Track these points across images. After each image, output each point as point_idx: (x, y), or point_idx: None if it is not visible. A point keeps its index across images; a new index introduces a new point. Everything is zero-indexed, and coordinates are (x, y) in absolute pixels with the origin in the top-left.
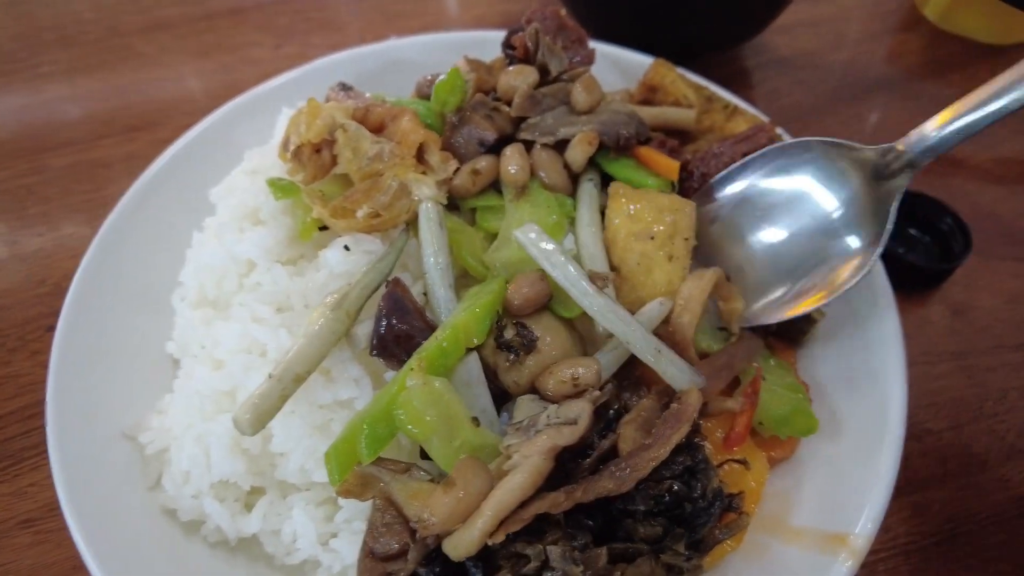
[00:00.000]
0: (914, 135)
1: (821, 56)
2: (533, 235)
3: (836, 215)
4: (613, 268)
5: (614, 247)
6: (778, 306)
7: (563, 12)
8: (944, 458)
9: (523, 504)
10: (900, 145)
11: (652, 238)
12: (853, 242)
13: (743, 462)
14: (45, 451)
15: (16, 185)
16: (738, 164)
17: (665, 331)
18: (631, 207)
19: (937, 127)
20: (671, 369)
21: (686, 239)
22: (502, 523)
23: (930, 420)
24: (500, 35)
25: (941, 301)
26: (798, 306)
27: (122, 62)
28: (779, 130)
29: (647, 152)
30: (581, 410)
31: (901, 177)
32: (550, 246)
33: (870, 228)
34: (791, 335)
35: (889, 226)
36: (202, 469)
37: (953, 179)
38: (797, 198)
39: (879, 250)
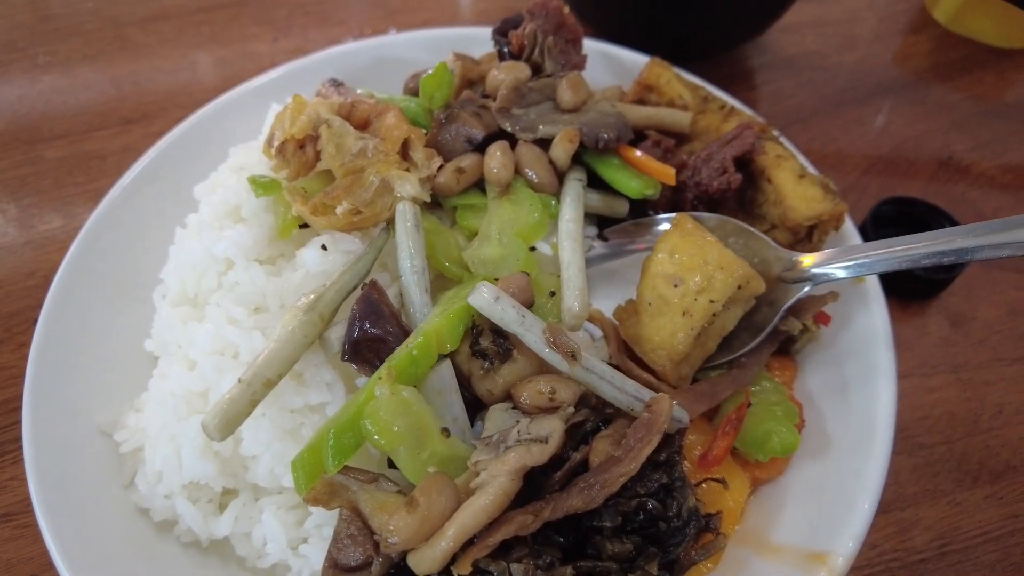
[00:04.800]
0: (823, 257)
1: (827, 57)
2: (487, 294)
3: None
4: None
5: (644, 276)
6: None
7: (566, 9)
8: (935, 473)
9: (491, 525)
10: (805, 261)
11: (676, 286)
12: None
13: (721, 481)
14: None
15: (10, 176)
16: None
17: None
18: (678, 247)
19: (843, 258)
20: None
21: (712, 301)
22: (468, 547)
23: (923, 434)
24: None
25: (940, 311)
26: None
27: (119, 53)
28: (775, 132)
29: (635, 154)
30: (553, 428)
31: (797, 285)
32: (510, 310)
33: (759, 320)
34: (783, 347)
35: (770, 328)
36: (174, 470)
37: (956, 186)
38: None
39: (753, 343)
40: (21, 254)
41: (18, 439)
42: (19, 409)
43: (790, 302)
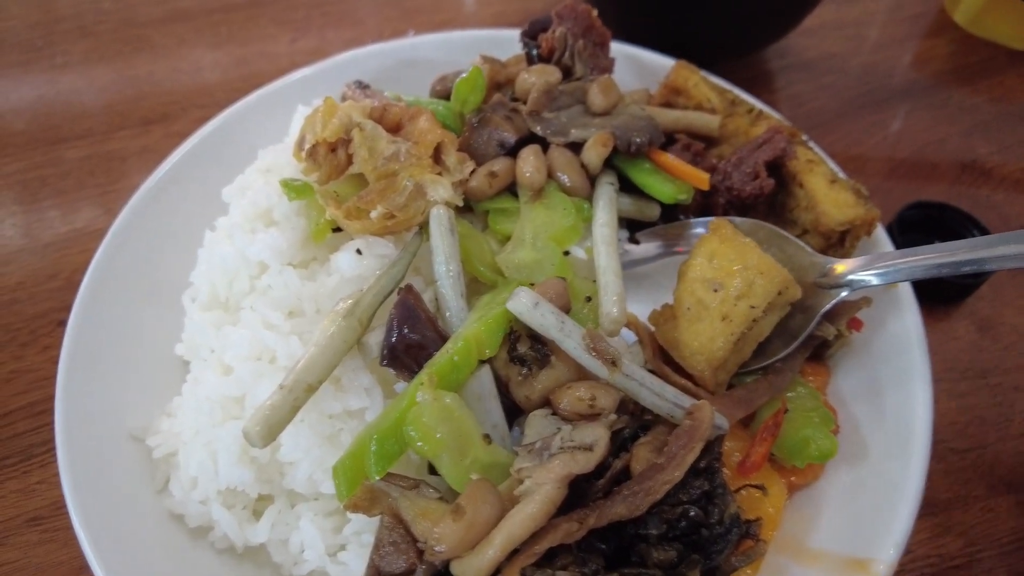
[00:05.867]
0: (857, 263)
1: (846, 60)
2: (526, 299)
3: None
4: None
5: (681, 280)
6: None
7: (594, 13)
8: (967, 479)
9: (536, 532)
10: (840, 267)
11: (716, 291)
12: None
13: (760, 488)
14: (54, 448)
15: (31, 177)
16: (698, 220)
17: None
18: (717, 251)
19: (877, 265)
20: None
21: (752, 307)
22: (512, 556)
23: (953, 440)
24: (517, 34)
25: (966, 316)
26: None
27: (137, 53)
28: (804, 136)
29: (668, 158)
30: (598, 436)
31: (833, 291)
32: (550, 315)
33: (793, 326)
34: (816, 352)
35: (806, 334)
36: (210, 476)
37: (980, 189)
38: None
39: (787, 350)
40: (43, 255)
41: (45, 442)
42: (46, 412)
43: (825, 308)
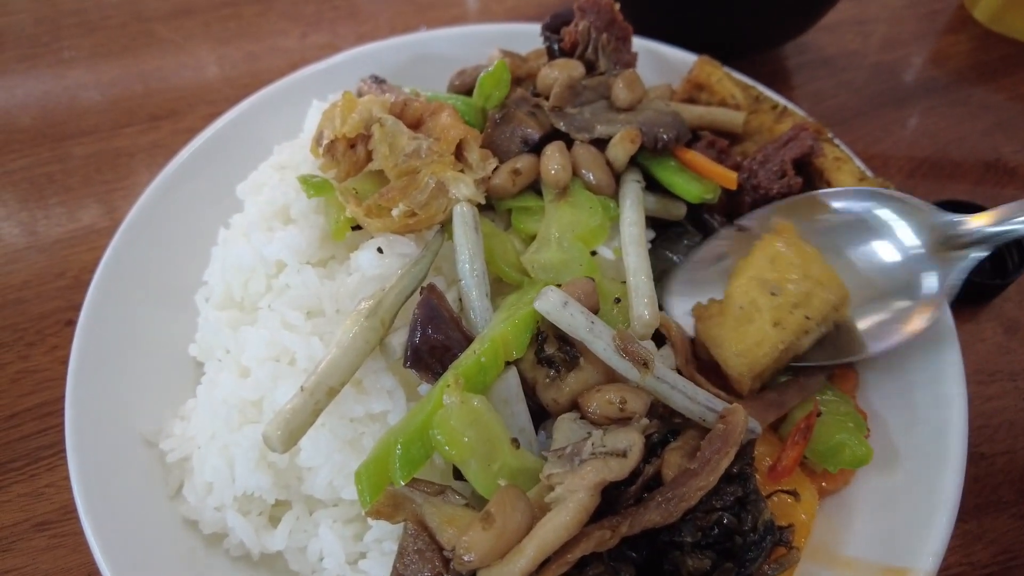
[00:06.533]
0: (1004, 212)
1: (865, 57)
2: (555, 299)
3: (895, 273)
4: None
5: (736, 277)
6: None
7: (616, 6)
8: (998, 484)
9: (568, 541)
10: (974, 222)
11: (773, 294)
12: (905, 303)
13: (793, 493)
14: (62, 451)
15: (37, 173)
16: (804, 196)
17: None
18: (779, 254)
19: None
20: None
21: (807, 318)
22: (544, 565)
23: (984, 444)
24: (535, 28)
25: (994, 317)
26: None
27: (145, 48)
28: (829, 133)
29: (695, 156)
30: (632, 442)
31: (970, 250)
32: (579, 316)
33: (926, 293)
34: None
35: (948, 299)
36: (226, 481)
37: (1005, 188)
38: (859, 245)
39: (929, 317)
40: (51, 253)
41: (52, 445)
42: (54, 414)
43: (961, 269)
